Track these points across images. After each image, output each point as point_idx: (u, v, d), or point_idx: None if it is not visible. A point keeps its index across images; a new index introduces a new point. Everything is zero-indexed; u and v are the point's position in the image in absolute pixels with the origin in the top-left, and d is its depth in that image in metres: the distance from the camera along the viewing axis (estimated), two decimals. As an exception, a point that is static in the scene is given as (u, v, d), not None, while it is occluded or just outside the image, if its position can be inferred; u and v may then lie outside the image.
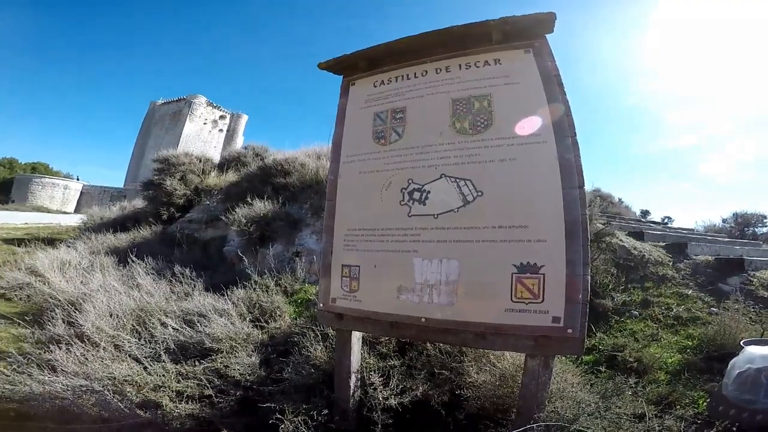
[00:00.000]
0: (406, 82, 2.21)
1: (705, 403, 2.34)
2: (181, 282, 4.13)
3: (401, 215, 1.99)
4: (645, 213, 14.63)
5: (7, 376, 2.32)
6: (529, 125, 1.83)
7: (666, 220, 13.32)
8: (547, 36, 1.99)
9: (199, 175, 9.78)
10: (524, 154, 1.82)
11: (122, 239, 7.60)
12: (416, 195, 1.97)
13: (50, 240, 8.64)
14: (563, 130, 1.78)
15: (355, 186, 2.17)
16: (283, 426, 1.65)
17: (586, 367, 2.75)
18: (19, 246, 7.71)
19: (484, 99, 1.97)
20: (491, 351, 2.12)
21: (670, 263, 4.80)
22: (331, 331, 2.48)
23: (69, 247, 6.84)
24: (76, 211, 34.49)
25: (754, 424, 1.91)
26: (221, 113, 55.79)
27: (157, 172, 9.71)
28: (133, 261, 4.87)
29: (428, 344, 2.32)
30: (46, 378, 2.15)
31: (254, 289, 3.61)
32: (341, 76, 2.49)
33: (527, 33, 2.00)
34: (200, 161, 10.20)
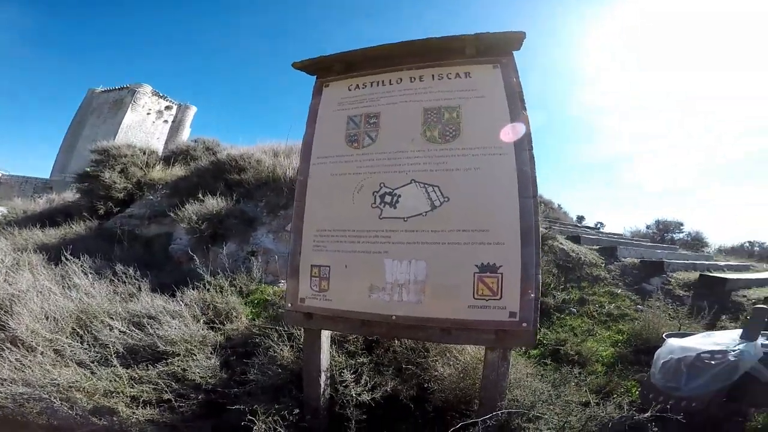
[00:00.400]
0: (380, 88, 2.28)
1: (637, 392, 2.63)
2: (124, 282, 3.88)
3: (373, 217, 2.05)
4: (580, 218, 15.92)
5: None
6: (493, 138, 1.99)
7: (598, 225, 14.53)
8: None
9: (142, 168, 9.17)
10: (487, 165, 1.97)
11: (52, 235, 6.94)
12: (387, 198, 2.05)
13: (-38, 235, 7.66)
14: (522, 144, 1.96)
15: (325, 187, 2.20)
16: (256, 427, 1.64)
17: (533, 360, 2.99)
18: None
19: (453, 110, 2.09)
20: (454, 346, 2.26)
21: (603, 265, 5.30)
22: (297, 330, 2.48)
23: (-14, 243, 6.10)
24: (-9, 202, 30.61)
25: (680, 408, 2.13)
26: (167, 104, 52.25)
27: (95, 163, 8.98)
28: (67, 259, 4.47)
29: (395, 341, 2.40)
30: None
31: (208, 289, 3.48)
32: (314, 77, 2.50)
33: (497, 49, 2.16)
34: (144, 153, 9.56)
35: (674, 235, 11.75)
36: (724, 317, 3.94)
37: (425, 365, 2.21)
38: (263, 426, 1.65)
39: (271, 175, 6.34)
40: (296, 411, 1.84)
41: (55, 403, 1.87)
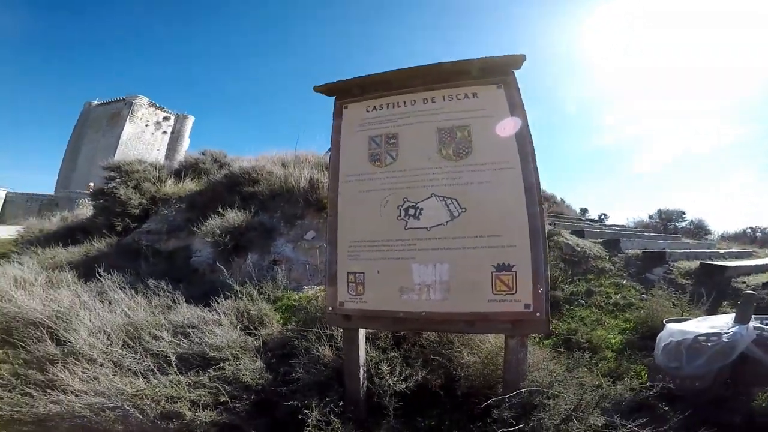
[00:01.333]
0: (396, 110, 2.53)
1: (646, 375, 2.85)
2: (158, 295, 4.13)
3: (399, 228, 2.32)
4: (584, 211, 16.06)
5: (10, 398, 2.32)
6: (501, 153, 2.26)
7: (602, 217, 14.65)
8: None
9: (154, 183, 9.43)
10: (497, 178, 2.24)
11: (75, 252, 7.23)
12: (411, 211, 2.32)
13: (-14, 256, 7.95)
14: (527, 157, 2.22)
15: (355, 203, 2.46)
16: (311, 419, 1.90)
17: (547, 349, 3.22)
18: (-51, 263, 7.05)
19: (464, 129, 2.35)
20: (476, 337, 2.53)
21: (607, 257, 5.52)
22: (335, 331, 2.75)
23: (13, 262, 6.38)
24: (1, 221, 31.04)
25: (684, 387, 2.39)
26: (165, 114, 52.80)
27: (108, 179, 9.26)
28: (100, 276, 4.75)
29: (421, 336, 2.67)
30: (62, 398, 2.19)
31: (241, 298, 3.74)
32: (333, 99, 2.75)
33: (500, 70, 2.40)
34: (155, 168, 9.84)
35: (677, 224, 11.94)
36: (725, 303, 4.13)
37: (450, 356, 2.47)
38: (318, 416, 1.90)
39: (284, 186, 6.58)
40: (341, 403, 2.10)
41: (129, 410, 2.10)
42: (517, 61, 2.35)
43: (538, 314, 2.05)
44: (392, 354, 2.48)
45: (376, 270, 2.31)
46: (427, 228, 2.27)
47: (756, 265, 5.30)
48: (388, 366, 2.28)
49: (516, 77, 2.40)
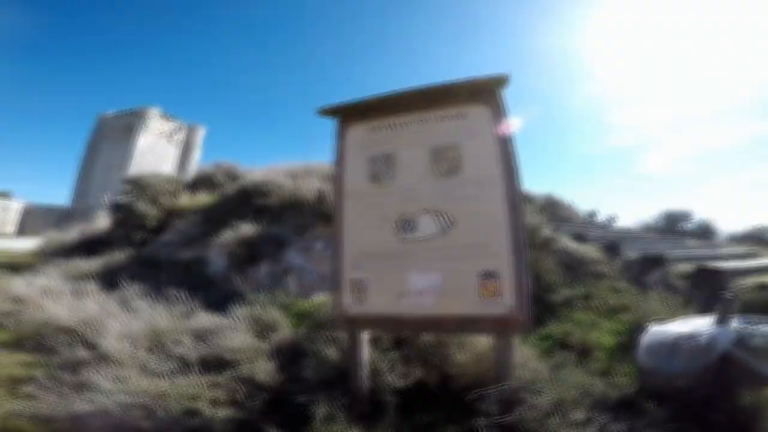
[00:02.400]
0: (393, 131, 2.79)
1: (633, 374, 3.01)
2: (177, 303, 4.41)
3: (396, 240, 2.59)
4: (592, 214, 16.02)
5: (47, 398, 2.58)
6: (487, 170, 2.49)
7: (611, 219, 14.59)
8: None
9: (169, 197, 9.80)
10: (484, 193, 2.49)
11: (96, 264, 7.58)
12: (407, 225, 2.58)
13: (13, 266, 8.34)
14: (511, 174, 2.46)
15: (357, 218, 2.73)
16: (318, 413, 2.12)
17: (542, 351, 3.40)
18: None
19: (454, 148, 2.60)
20: (470, 338, 2.75)
21: (607, 261, 5.66)
22: (339, 334, 2.98)
23: (39, 273, 6.72)
24: (20, 233, 31.97)
25: (667, 386, 2.49)
26: (176, 125, 53.80)
27: (126, 193, 9.67)
28: (122, 285, 5.06)
29: (420, 338, 2.89)
30: (95, 396, 2.44)
31: (255, 305, 4.00)
32: (336, 121, 3.00)
33: (486, 90, 2.62)
34: (170, 182, 10.24)
35: (683, 225, 11.95)
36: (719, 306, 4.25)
37: (446, 356, 2.69)
38: (325, 410, 2.13)
39: (293, 198, 6.84)
40: (345, 400, 2.31)
41: (154, 409, 2.34)
42: (502, 80, 2.57)
43: (520, 317, 2.27)
44: (392, 355, 2.70)
45: (376, 278, 2.56)
46: (420, 240, 2.52)
47: (755, 267, 5.40)
48: (388, 365, 2.50)
49: (502, 96, 2.61)
